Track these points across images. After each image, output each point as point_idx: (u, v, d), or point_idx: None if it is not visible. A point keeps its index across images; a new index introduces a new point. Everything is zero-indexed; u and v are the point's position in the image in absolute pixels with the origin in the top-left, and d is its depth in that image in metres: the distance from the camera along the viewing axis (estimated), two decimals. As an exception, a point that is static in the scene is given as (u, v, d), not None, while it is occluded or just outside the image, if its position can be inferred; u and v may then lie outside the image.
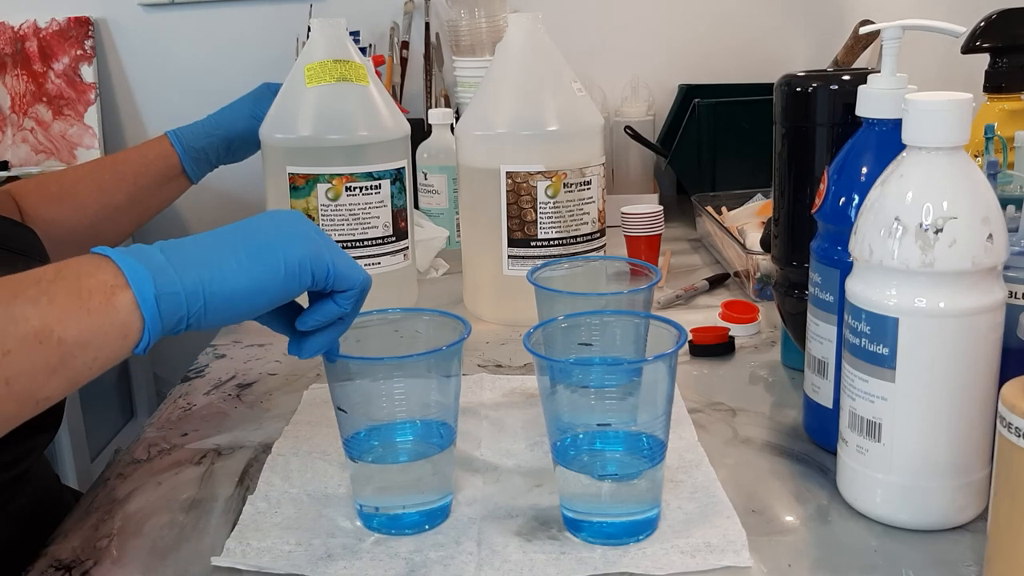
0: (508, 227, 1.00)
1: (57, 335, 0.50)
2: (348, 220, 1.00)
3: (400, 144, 1.04)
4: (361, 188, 1.00)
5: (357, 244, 1.01)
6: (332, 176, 0.98)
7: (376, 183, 1.00)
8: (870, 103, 0.66)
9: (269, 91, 1.08)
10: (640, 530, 0.61)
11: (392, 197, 1.02)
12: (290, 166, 0.99)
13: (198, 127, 1.08)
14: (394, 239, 1.03)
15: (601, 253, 1.03)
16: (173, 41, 1.74)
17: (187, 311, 0.54)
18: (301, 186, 0.99)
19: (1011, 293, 0.61)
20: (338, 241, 0.97)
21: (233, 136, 1.07)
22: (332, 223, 1.00)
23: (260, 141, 1.04)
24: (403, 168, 1.03)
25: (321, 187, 0.99)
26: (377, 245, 1.02)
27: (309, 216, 0.98)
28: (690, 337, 0.91)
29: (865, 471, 0.61)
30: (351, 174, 0.99)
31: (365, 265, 1.00)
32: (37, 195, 0.98)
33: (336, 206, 0.99)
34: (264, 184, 1.05)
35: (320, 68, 1.00)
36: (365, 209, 1.00)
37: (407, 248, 1.05)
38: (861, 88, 0.66)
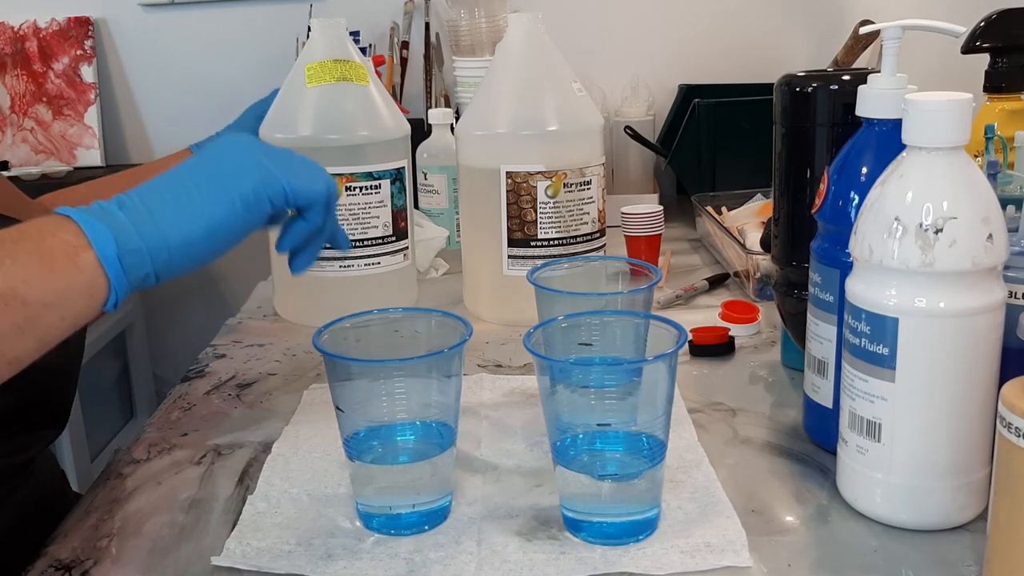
0: (508, 227, 0.99)
1: (22, 295, 0.50)
2: (348, 220, 1.00)
3: (400, 144, 1.03)
4: (361, 188, 1.00)
5: (357, 244, 1.01)
6: (332, 176, 0.96)
7: (376, 183, 1.00)
8: (870, 103, 0.66)
9: None
10: (640, 530, 0.61)
11: (392, 197, 1.01)
12: None
13: (217, 136, 1.07)
14: (394, 239, 1.02)
15: (601, 253, 1.03)
16: (173, 41, 1.74)
17: (152, 266, 0.55)
18: None
19: (1011, 293, 0.61)
20: None
21: None
22: None
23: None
24: (403, 168, 1.02)
25: None
26: (377, 245, 1.02)
27: None
28: (690, 337, 0.91)
29: (865, 471, 0.61)
30: (351, 174, 0.98)
31: (365, 265, 1.01)
32: (68, 205, 0.97)
33: (336, 206, 0.98)
34: None
35: (320, 68, 1.00)
36: (365, 209, 1.00)
37: (407, 248, 1.05)
38: (861, 88, 0.66)
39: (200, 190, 0.56)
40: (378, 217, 1.00)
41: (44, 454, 0.85)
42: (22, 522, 0.74)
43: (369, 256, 1.01)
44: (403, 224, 1.04)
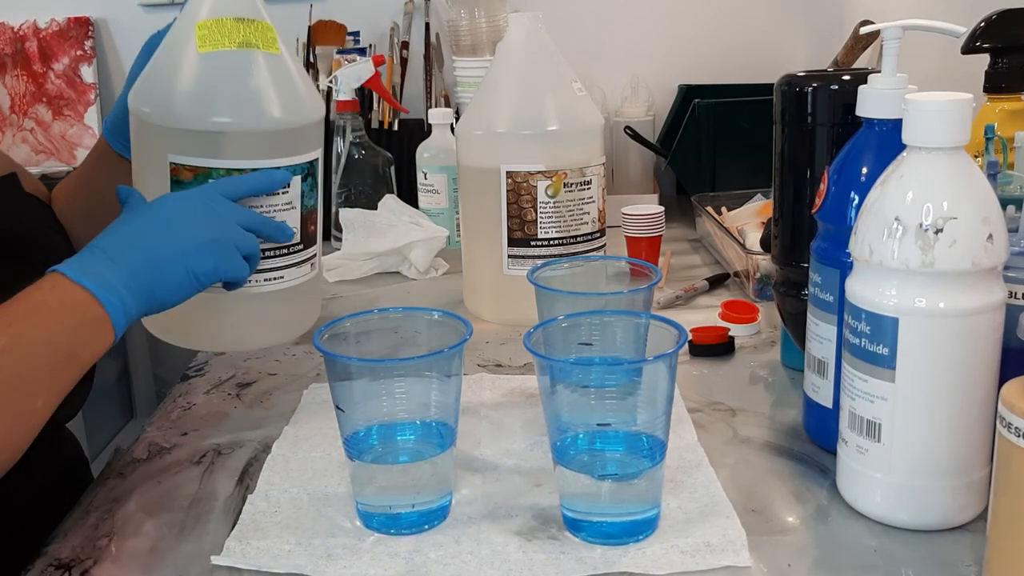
0: (508, 227, 1.00)
1: (80, 359, 0.64)
2: None
3: (314, 130, 0.82)
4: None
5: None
6: (228, 171, 0.76)
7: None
8: (870, 103, 0.66)
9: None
10: (640, 530, 0.61)
11: (302, 197, 0.80)
12: (172, 154, 0.76)
13: (119, 99, 0.87)
14: (301, 247, 0.80)
15: (601, 253, 1.03)
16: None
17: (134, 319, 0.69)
18: (187, 180, 0.76)
19: (1011, 293, 0.61)
20: None
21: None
22: None
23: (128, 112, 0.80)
24: (316, 160, 0.82)
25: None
26: (280, 256, 0.79)
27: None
28: (690, 337, 0.91)
29: (865, 471, 0.61)
30: (254, 169, 0.77)
31: (264, 279, 0.80)
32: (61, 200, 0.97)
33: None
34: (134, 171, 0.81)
35: (217, 28, 0.77)
36: (268, 212, 0.77)
37: (315, 256, 0.84)
38: (861, 88, 0.66)
39: (164, 275, 0.69)
40: (283, 222, 0.78)
41: (68, 441, 0.91)
42: (41, 509, 0.76)
43: (269, 270, 0.79)
44: (312, 228, 0.82)
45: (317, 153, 0.82)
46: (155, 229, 0.70)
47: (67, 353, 0.63)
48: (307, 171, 0.80)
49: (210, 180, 0.76)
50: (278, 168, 0.77)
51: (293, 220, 0.79)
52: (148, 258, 0.68)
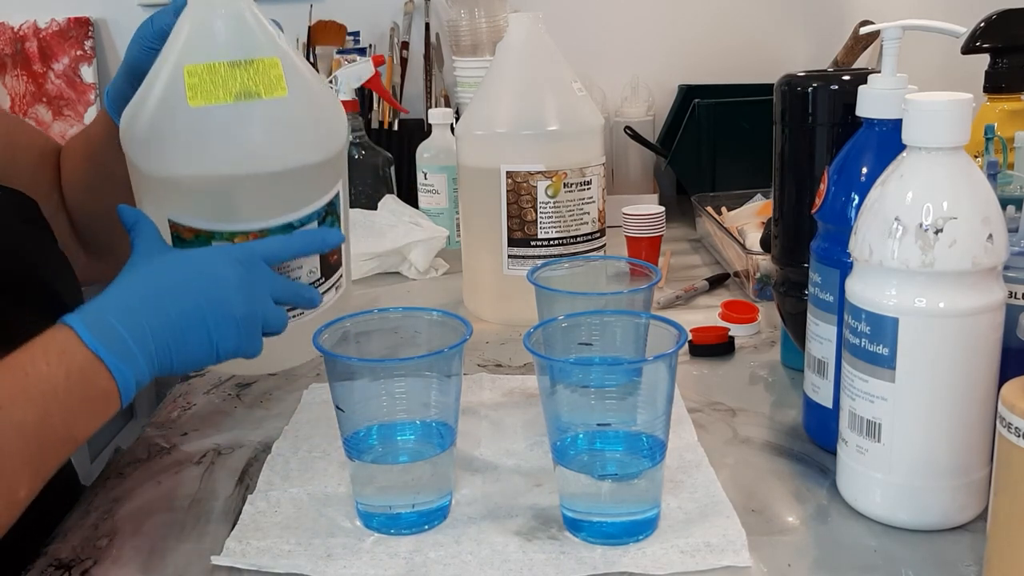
0: (508, 227, 1.00)
1: (76, 438, 0.59)
2: None
3: (333, 165, 0.74)
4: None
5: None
6: (233, 234, 0.69)
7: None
8: (870, 103, 0.66)
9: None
10: (640, 530, 0.61)
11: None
12: (171, 213, 0.70)
13: (121, 72, 0.79)
14: (322, 280, 0.75)
15: (601, 253, 1.03)
16: (173, 41, 1.74)
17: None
18: (189, 239, 0.70)
19: (1011, 293, 0.61)
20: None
21: (133, 68, 0.76)
22: None
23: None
24: (336, 199, 0.74)
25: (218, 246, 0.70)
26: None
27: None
28: (690, 337, 0.91)
29: (865, 471, 0.61)
30: (261, 230, 0.70)
31: (289, 315, 0.73)
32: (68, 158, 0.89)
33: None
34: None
35: (209, 77, 0.67)
36: (282, 268, 0.71)
37: (339, 278, 0.78)
38: (861, 88, 0.66)
39: (186, 345, 0.63)
40: (300, 267, 0.72)
41: None
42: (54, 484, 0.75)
43: (292, 308, 0.72)
44: (335, 258, 0.76)
45: (338, 186, 0.74)
46: (186, 291, 0.63)
47: (63, 436, 0.57)
48: (327, 211, 0.73)
49: (212, 242, 0.69)
50: (307, 216, 0.71)
51: (311, 264, 0.73)
52: (173, 324, 0.61)
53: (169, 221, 0.70)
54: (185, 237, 0.70)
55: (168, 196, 0.70)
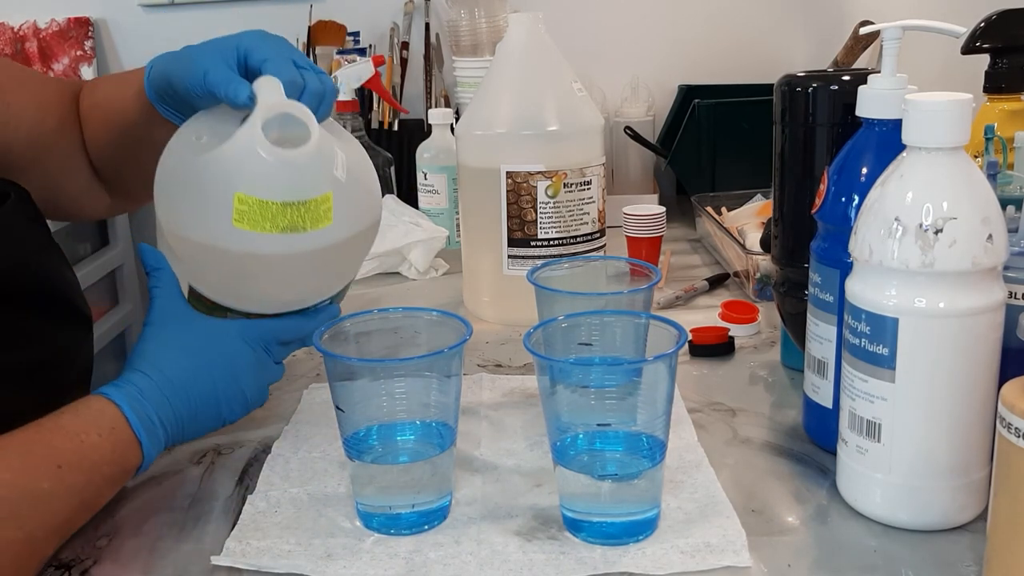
0: (508, 227, 1.00)
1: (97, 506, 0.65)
2: None
3: (361, 255, 0.77)
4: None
5: None
6: (248, 314, 0.74)
7: None
8: (870, 103, 0.66)
9: (256, 44, 0.72)
10: (640, 530, 0.61)
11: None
12: (193, 280, 0.73)
13: (157, 68, 0.76)
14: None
15: (601, 253, 1.03)
16: (173, 41, 1.72)
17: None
18: (206, 304, 0.73)
19: (1011, 293, 0.61)
20: None
21: (176, 87, 0.73)
22: None
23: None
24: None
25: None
26: None
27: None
28: (690, 337, 0.91)
29: (865, 471, 0.61)
30: (279, 314, 0.74)
31: None
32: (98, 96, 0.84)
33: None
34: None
35: (259, 210, 0.66)
36: None
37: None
38: (861, 88, 0.66)
39: (200, 423, 0.70)
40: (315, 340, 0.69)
41: None
42: None
43: None
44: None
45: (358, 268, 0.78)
46: (208, 378, 0.69)
47: (94, 503, 0.63)
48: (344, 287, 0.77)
49: (229, 315, 0.73)
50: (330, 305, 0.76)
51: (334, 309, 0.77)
52: (193, 411, 0.69)
53: (190, 286, 0.73)
54: (203, 301, 0.73)
55: (192, 267, 0.72)
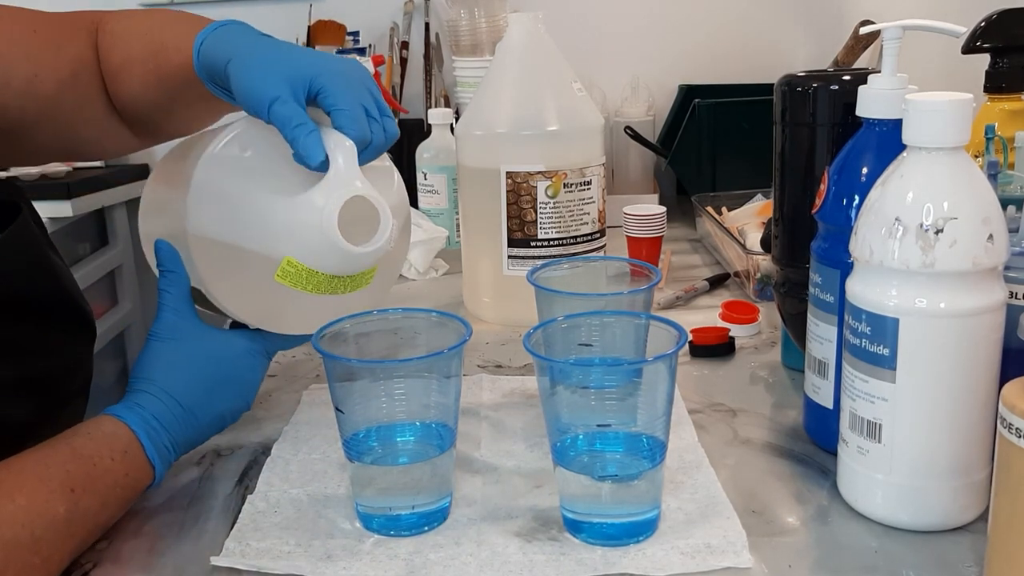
0: (508, 227, 0.99)
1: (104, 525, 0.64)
2: None
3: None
4: None
5: None
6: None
7: None
8: (870, 103, 0.66)
9: (331, 87, 0.68)
10: (640, 531, 0.61)
11: None
12: (205, 285, 0.72)
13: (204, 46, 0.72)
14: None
15: (601, 253, 1.03)
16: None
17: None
18: (214, 308, 0.74)
19: (1011, 293, 0.61)
20: None
21: (235, 92, 0.69)
22: None
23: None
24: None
25: None
26: None
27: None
28: (690, 337, 0.91)
29: (865, 472, 0.61)
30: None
31: None
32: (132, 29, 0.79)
33: None
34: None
35: (305, 276, 0.70)
36: None
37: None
38: (861, 88, 0.66)
39: (203, 436, 0.71)
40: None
41: None
42: None
43: None
44: None
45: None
46: (220, 399, 0.71)
47: (105, 525, 0.63)
48: None
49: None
50: None
51: None
52: (204, 427, 0.70)
53: (193, 287, 0.72)
54: (212, 304, 0.73)
55: (209, 273, 0.71)
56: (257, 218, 0.69)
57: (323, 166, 0.66)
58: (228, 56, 0.69)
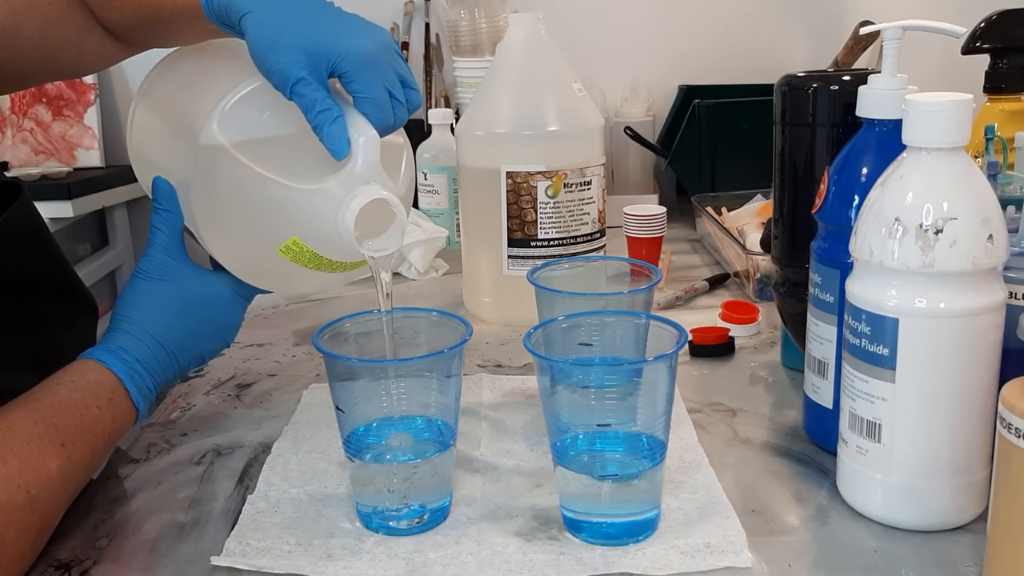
0: (508, 227, 1.00)
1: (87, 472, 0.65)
2: None
3: None
4: None
5: None
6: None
7: None
8: (870, 103, 0.66)
9: (355, 72, 0.66)
10: (640, 531, 0.61)
11: None
12: (200, 236, 0.72)
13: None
14: None
15: (601, 253, 1.03)
16: (173, 41, 1.74)
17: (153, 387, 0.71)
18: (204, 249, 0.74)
19: (1011, 294, 0.61)
20: None
21: (251, 50, 0.65)
22: None
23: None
24: None
25: None
26: None
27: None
28: (690, 337, 0.91)
29: (865, 472, 0.61)
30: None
31: None
32: None
33: None
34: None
35: (309, 257, 0.71)
36: None
37: None
38: (861, 88, 0.66)
39: (181, 371, 0.73)
40: None
41: None
42: None
43: None
44: None
45: None
46: (204, 340, 0.73)
47: (97, 469, 0.65)
48: None
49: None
50: None
51: None
52: (184, 366, 0.72)
53: (186, 226, 0.72)
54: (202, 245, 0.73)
55: (202, 228, 0.71)
56: (270, 197, 0.68)
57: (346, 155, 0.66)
58: (243, 8, 0.65)
